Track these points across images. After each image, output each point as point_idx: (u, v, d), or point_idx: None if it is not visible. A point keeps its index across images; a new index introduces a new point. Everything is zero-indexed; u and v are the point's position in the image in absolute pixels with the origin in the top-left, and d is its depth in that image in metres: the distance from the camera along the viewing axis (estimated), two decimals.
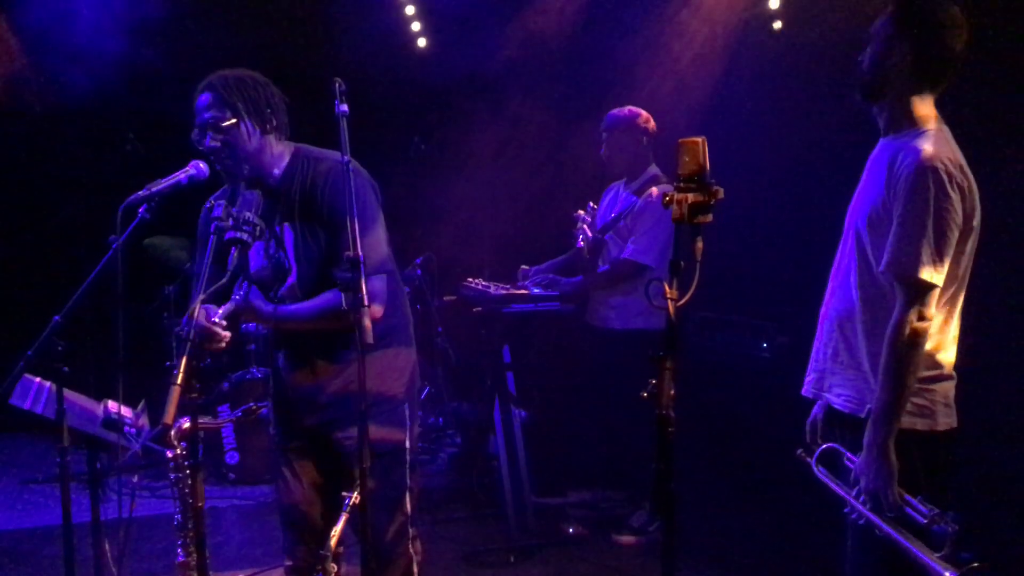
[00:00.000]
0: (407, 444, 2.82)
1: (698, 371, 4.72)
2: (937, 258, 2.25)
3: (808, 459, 2.56)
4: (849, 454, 2.45)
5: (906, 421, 2.33)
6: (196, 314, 2.32)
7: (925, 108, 2.41)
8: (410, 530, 2.84)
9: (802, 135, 4.75)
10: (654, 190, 4.45)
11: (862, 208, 2.44)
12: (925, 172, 2.25)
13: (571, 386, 5.05)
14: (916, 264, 2.25)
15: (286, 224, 2.71)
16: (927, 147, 2.29)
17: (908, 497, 2.28)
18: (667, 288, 2.04)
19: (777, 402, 4.60)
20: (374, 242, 2.65)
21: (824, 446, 2.54)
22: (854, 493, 2.37)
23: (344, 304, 2.34)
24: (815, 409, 2.71)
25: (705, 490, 4.38)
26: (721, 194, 2.02)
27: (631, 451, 4.48)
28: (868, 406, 2.39)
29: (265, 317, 2.70)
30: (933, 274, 2.26)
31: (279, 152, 2.73)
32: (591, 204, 4.67)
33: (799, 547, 4.25)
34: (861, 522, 2.34)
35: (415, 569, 2.85)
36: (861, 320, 2.43)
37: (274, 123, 2.69)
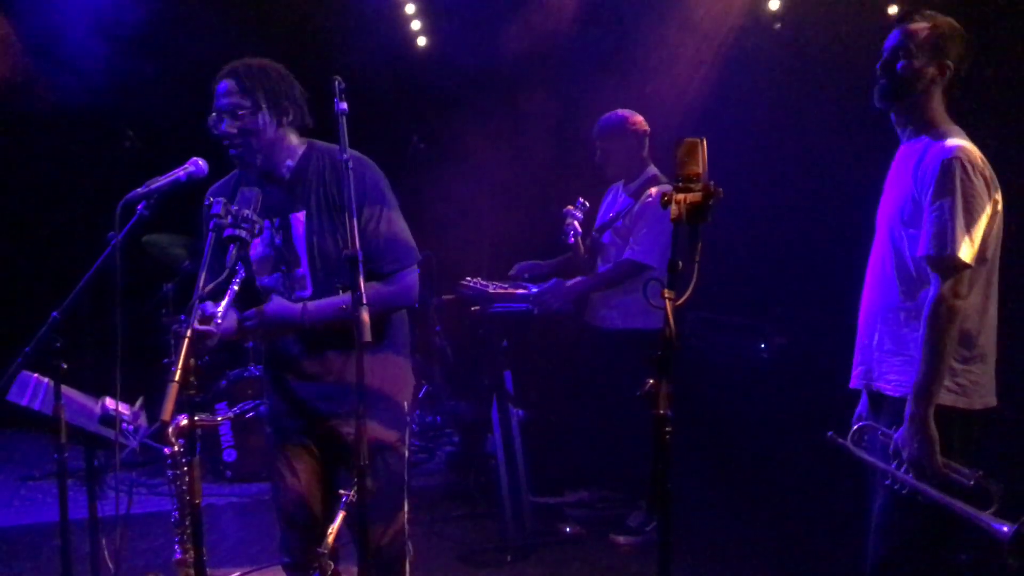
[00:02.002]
0: (406, 440, 2.83)
1: (696, 371, 4.73)
2: (969, 239, 2.45)
3: (841, 440, 2.74)
4: (884, 429, 2.63)
5: (947, 399, 2.52)
6: (193, 314, 2.32)
7: (942, 112, 2.65)
8: (406, 528, 2.84)
9: (801, 136, 4.77)
10: (653, 190, 4.45)
11: (893, 207, 2.66)
12: (951, 163, 2.48)
13: (569, 385, 5.05)
14: (950, 245, 2.44)
15: (301, 213, 2.72)
16: (950, 143, 2.53)
17: (949, 463, 2.46)
18: (664, 288, 2.04)
19: (775, 402, 4.63)
20: (407, 236, 2.75)
21: (858, 424, 2.75)
22: (894, 465, 2.54)
23: (343, 303, 2.35)
24: (861, 404, 2.87)
25: (702, 490, 4.39)
26: (720, 194, 2.03)
27: (629, 451, 4.48)
28: (907, 388, 2.55)
29: (296, 322, 2.66)
30: (966, 253, 2.44)
31: (293, 145, 2.75)
32: (581, 199, 4.67)
33: (796, 547, 4.26)
34: (904, 491, 2.51)
35: (407, 567, 2.85)
36: (904, 310, 2.62)
37: (291, 116, 2.71)
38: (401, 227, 2.75)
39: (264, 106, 2.64)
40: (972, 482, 2.41)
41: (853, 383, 2.81)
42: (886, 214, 2.71)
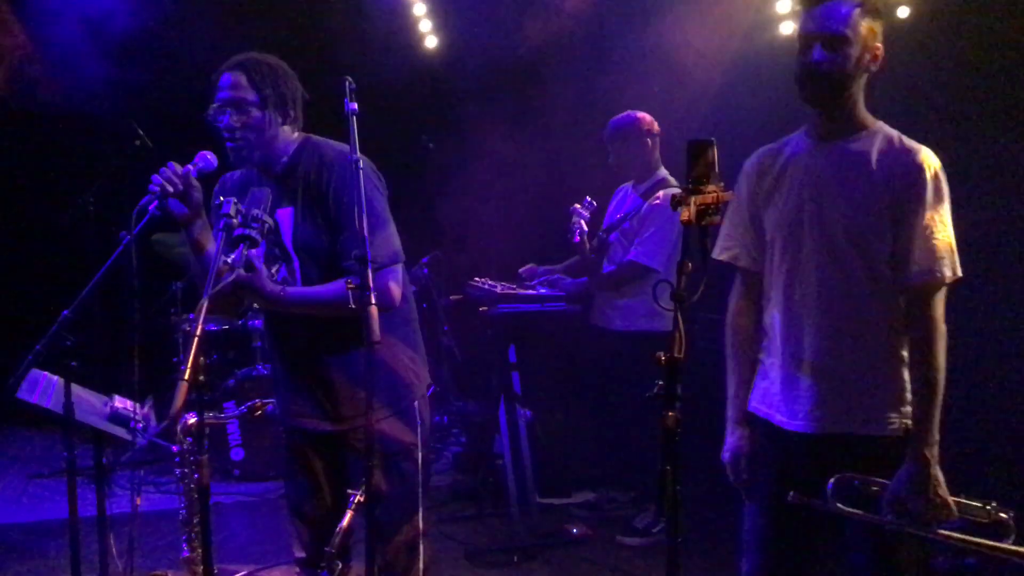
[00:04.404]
0: (418, 442, 2.78)
1: (703, 373, 4.70)
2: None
3: (815, 501, 2.33)
4: (871, 479, 2.31)
5: (903, 425, 2.32)
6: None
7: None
8: (421, 531, 2.80)
9: None
10: (661, 193, 4.44)
11: (850, 214, 2.32)
12: (937, 175, 2.28)
13: (576, 386, 5.05)
14: (955, 264, 2.27)
15: (288, 210, 2.69)
16: (923, 149, 2.30)
17: (960, 501, 2.23)
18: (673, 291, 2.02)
19: None
20: (386, 235, 2.65)
21: (836, 477, 2.30)
22: (889, 516, 2.25)
23: (351, 303, 2.34)
24: (737, 440, 2.59)
25: (710, 492, 4.37)
26: (730, 196, 2.01)
27: (636, 452, 4.47)
28: (899, 421, 2.32)
29: (269, 296, 2.56)
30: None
31: (290, 141, 2.73)
32: (588, 199, 4.65)
33: None
34: (928, 535, 2.24)
35: (421, 566, 2.84)
36: (888, 338, 2.34)
37: (292, 116, 2.70)
38: (388, 230, 2.66)
39: (270, 104, 2.62)
40: (989, 517, 2.17)
41: (818, 428, 2.37)
42: (837, 223, 2.33)
